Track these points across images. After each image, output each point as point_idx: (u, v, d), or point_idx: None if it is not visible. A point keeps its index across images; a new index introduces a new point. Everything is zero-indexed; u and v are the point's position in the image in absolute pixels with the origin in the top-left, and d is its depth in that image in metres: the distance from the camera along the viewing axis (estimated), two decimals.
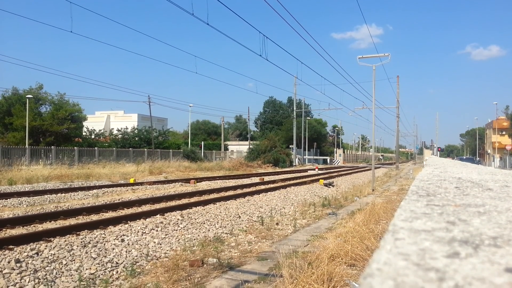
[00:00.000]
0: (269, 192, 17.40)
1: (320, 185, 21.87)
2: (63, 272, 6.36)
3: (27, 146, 29.96)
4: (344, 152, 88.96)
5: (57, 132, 37.04)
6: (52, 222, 9.84)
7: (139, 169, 28.52)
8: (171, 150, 42.53)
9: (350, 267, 5.81)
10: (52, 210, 11.33)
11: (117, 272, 6.57)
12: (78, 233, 8.43)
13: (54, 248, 7.32)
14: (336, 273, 5.14)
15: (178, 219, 10.46)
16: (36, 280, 5.96)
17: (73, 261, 6.82)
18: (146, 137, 46.16)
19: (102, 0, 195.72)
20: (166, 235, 8.98)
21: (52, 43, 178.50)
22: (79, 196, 14.85)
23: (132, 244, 8.09)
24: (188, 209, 11.99)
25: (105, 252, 7.43)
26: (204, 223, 10.41)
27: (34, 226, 9.36)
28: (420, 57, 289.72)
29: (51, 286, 5.85)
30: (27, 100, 33.63)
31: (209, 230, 9.74)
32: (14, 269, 6.19)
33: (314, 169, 40.17)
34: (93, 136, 44.50)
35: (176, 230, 9.52)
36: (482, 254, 0.72)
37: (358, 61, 22.66)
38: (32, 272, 6.19)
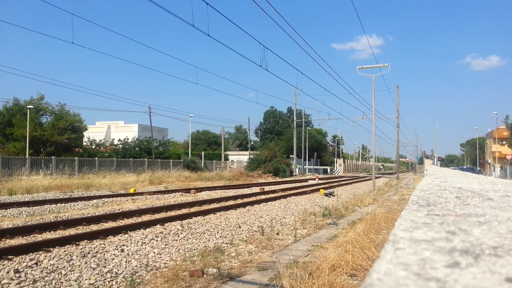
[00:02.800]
0: (269, 202, 17.35)
1: (321, 195, 21.81)
2: (62, 283, 6.32)
3: (27, 156, 29.98)
4: (344, 162, 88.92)
5: (57, 142, 37.09)
6: (52, 232, 9.80)
7: (139, 179, 28.49)
8: (171, 160, 42.54)
9: (351, 277, 5.78)
10: (52, 220, 11.29)
11: (116, 282, 6.53)
12: (77, 243, 8.39)
13: (53, 258, 7.28)
14: (337, 283, 5.11)
15: (178, 229, 10.42)
16: None
17: (73, 271, 6.78)
18: (146, 147, 46.18)
19: (103, 11, 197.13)
20: (166, 245, 8.94)
21: (53, 53, 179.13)
22: (79, 206, 14.81)
23: (132, 254, 8.06)
24: (188, 219, 11.94)
25: (105, 262, 7.39)
26: (204, 233, 10.37)
27: (34, 236, 9.32)
28: (420, 67, 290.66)
29: None
30: (28, 110, 33.74)
31: (209, 240, 9.70)
32: (13, 279, 6.16)
33: (314, 179, 40.11)
34: (93, 146, 44.54)
35: (176, 240, 9.48)
36: (482, 264, 0.72)
37: (358, 71, 22.78)
38: (31, 282, 6.15)
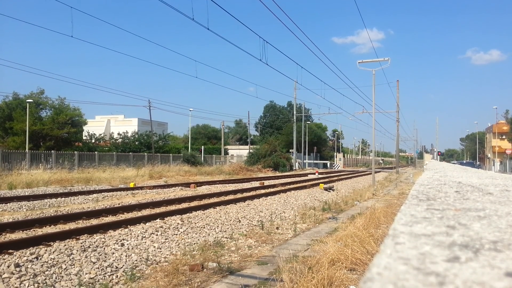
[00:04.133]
0: (269, 196, 17.37)
1: (320, 189, 21.84)
2: (62, 277, 6.34)
3: (27, 150, 29.97)
4: (344, 156, 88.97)
5: (57, 136, 37.06)
6: (52, 226, 9.82)
7: (139, 173, 28.50)
8: (171, 155, 42.54)
9: (351, 271, 5.80)
10: (52, 215, 11.31)
11: (116, 276, 6.55)
12: (77, 237, 8.41)
13: (53, 252, 7.31)
14: (337, 277, 5.13)
15: (178, 224, 10.44)
16: (36, 285, 5.95)
17: (73, 266, 6.81)
18: (146, 141, 46.17)
19: (103, 5, 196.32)
20: (166, 239, 8.97)
21: (53, 47, 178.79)
22: (79, 201, 14.83)
23: (132, 248, 8.08)
24: (188, 214, 11.97)
25: (105, 257, 7.41)
26: (204, 228, 10.40)
27: (34, 230, 9.34)
28: (420, 62, 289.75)
29: None
30: (28, 104, 33.68)
31: (209, 235, 9.72)
32: (14, 274, 6.18)
33: (314, 173, 40.15)
34: (93, 141, 44.55)
35: (176, 234, 9.50)
36: (482, 259, 0.72)
37: (358, 65, 22.73)
38: (31, 276, 6.17)
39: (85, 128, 43.79)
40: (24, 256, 6.94)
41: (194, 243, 8.73)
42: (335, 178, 33.40)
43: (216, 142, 67.73)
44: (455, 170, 6.21)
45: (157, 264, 7.19)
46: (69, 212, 11.80)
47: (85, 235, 8.64)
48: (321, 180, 28.27)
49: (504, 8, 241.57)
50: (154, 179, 27.37)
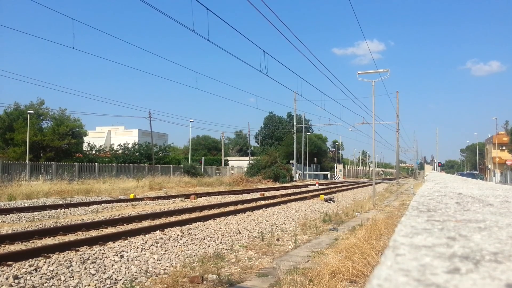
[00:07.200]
0: (269, 208, 17.31)
1: (321, 201, 21.77)
2: None
3: (27, 161, 29.97)
4: (344, 167, 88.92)
5: (57, 147, 37.09)
6: (51, 238, 9.78)
7: (139, 184, 28.46)
8: (171, 166, 42.53)
9: (352, 283, 5.76)
10: (51, 226, 11.26)
11: None
12: (77, 249, 8.37)
13: (53, 264, 7.26)
14: None
15: (178, 235, 10.39)
16: None
17: (72, 278, 6.76)
18: (146, 152, 46.17)
19: (104, 16, 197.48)
20: (165, 251, 8.92)
21: (54, 58, 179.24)
22: (78, 212, 14.78)
23: (132, 260, 8.03)
24: (188, 225, 11.92)
25: (104, 268, 7.36)
26: (204, 239, 10.34)
27: (33, 242, 9.30)
28: (421, 73, 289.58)
29: None
30: (28, 115, 33.76)
31: (209, 246, 9.67)
32: (12, 286, 6.14)
33: (314, 185, 40.07)
34: (93, 152, 44.55)
35: (176, 246, 9.45)
36: (482, 270, 0.72)
37: (357, 76, 22.83)
38: None
39: (85, 139, 43.86)
40: (23, 268, 6.90)
41: (194, 255, 8.68)
42: (336, 189, 33.32)
43: (216, 153, 67.73)
44: (456, 181, 6.20)
45: (156, 276, 7.14)
46: (68, 224, 11.75)
47: (85, 246, 8.60)
48: (322, 191, 28.20)
49: (503, 20, 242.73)
50: (154, 190, 27.32)
